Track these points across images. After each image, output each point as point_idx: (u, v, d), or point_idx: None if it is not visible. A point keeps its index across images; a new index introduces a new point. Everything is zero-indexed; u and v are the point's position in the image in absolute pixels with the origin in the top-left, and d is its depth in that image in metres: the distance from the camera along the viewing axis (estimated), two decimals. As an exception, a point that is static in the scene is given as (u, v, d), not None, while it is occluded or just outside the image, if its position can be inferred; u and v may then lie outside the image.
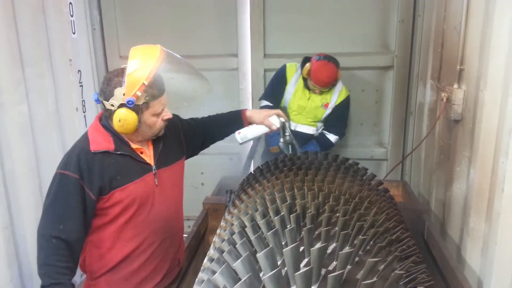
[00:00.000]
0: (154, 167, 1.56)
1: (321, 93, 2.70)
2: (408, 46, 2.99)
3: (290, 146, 2.70)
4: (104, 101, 1.42)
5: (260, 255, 1.01)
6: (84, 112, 3.06)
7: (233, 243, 1.27)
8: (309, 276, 0.94)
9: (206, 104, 3.16)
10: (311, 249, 1.01)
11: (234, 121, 1.89)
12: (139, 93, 1.38)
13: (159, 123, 1.49)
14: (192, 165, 3.24)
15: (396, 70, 3.04)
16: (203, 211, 2.19)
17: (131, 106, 1.39)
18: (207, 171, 3.46)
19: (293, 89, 2.76)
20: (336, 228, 1.21)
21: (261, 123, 1.88)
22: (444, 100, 1.98)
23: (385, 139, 3.26)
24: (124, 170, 1.49)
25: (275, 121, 1.88)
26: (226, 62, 3.23)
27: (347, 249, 1.06)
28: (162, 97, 1.46)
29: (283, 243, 1.20)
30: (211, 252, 1.42)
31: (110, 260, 1.55)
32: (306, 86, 2.72)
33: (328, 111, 2.77)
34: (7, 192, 2.32)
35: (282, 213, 1.33)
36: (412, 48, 2.99)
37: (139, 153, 1.53)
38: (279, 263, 1.09)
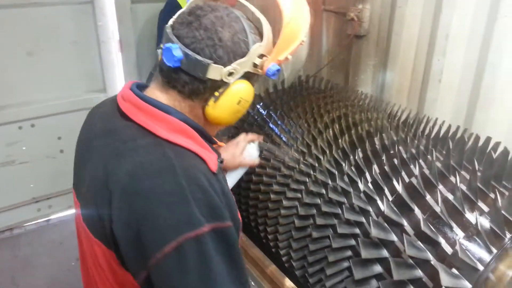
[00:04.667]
0: None
1: None
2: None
3: None
4: (213, 65, 0.80)
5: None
6: None
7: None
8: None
9: (54, 53, 2.54)
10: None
11: None
12: (289, 57, 0.90)
13: None
14: (46, 128, 2.61)
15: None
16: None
17: (272, 76, 0.86)
18: (65, 134, 2.82)
19: None
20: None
21: (239, 166, 1.34)
22: (356, 19, 2.33)
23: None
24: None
25: (254, 153, 1.36)
26: (74, -6, 2.57)
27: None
28: None
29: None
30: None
31: None
32: None
33: None
34: None
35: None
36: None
37: None
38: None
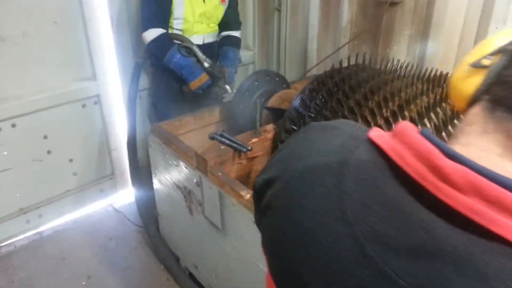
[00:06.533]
0: None
1: None
2: None
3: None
4: None
5: None
6: None
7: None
8: None
9: (32, 37, 2.12)
10: None
11: None
12: None
13: None
14: (29, 127, 2.23)
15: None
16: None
17: None
18: (52, 132, 2.41)
19: None
20: None
21: None
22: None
23: (250, 42, 3.11)
24: None
25: None
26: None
27: None
28: None
29: None
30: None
31: None
32: None
33: (226, 5, 2.42)
34: None
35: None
36: None
37: None
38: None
